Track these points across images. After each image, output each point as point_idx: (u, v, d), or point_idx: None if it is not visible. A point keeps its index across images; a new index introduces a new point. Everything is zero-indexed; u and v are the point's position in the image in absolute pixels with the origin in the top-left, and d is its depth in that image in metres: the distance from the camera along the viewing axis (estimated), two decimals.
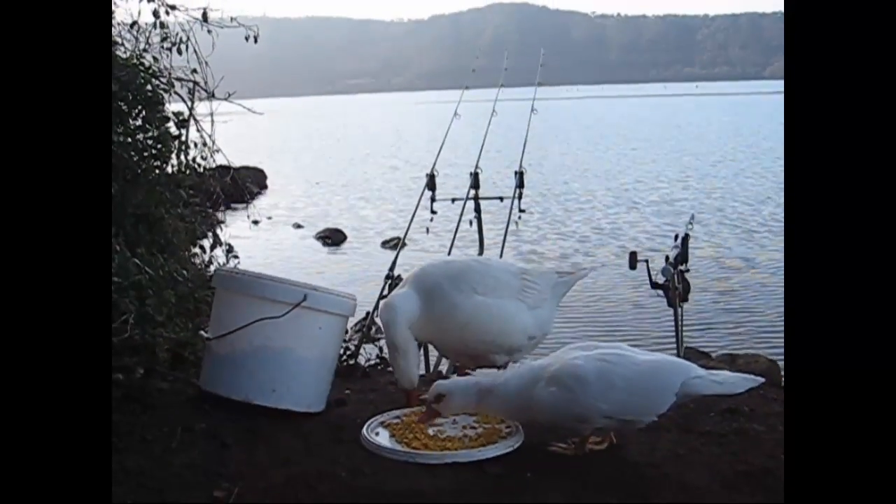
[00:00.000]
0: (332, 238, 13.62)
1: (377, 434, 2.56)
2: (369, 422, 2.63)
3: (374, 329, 5.26)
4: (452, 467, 2.35)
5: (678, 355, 4.60)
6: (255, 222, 12.31)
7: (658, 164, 21.66)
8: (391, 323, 2.78)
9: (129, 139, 4.05)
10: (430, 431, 2.59)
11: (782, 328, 8.03)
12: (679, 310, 4.45)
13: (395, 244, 11.03)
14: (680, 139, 29.66)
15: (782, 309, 8.57)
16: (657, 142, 28.76)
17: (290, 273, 7.87)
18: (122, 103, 3.99)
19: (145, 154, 4.12)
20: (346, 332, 3.30)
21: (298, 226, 14.75)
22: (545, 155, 23.70)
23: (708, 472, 2.39)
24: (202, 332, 2.89)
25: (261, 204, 15.33)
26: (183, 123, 4.51)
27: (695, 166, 21.11)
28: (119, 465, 2.25)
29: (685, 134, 32.13)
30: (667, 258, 4.28)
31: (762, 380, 2.44)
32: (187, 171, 4.76)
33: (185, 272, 3.91)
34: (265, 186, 19.34)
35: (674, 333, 4.59)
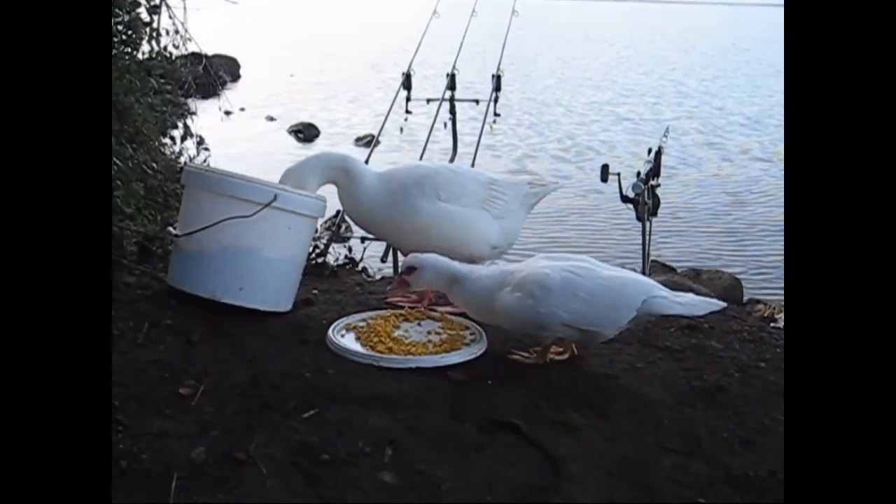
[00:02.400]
0: (305, 133, 13.48)
1: (343, 336, 2.59)
2: (335, 324, 2.66)
3: (343, 228, 5.27)
4: (415, 372, 2.39)
5: (643, 269, 4.68)
6: (228, 113, 12.08)
7: (647, 77, 21.36)
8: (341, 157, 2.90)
9: None
10: (396, 335, 2.63)
11: (749, 245, 8.17)
12: (647, 224, 4.50)
13: (368, 141, 10.96)
14: (671, 49, 29.18)
15: (751, 226, 8.70)
16: (646, 51, 28.31)
17: (262, 167, 7.81)
18: None
19: (115, 40, 3.99)
20: (316, 230, 3.30)
21: (271, 118, 14.55)
22: (528, 61, 23.31)
23: (663, 385, 2.46)
24: (170, 229, 2.88)
25: (233, 95, 15.02)
26: (154, 9, 4.38)
27: (685, 81, 20.83)
28: None
29: (676, 44, 31.61)
30: (638, 173, 4.30)
31: (724, 304, 2.49)
32: (158, 59, 4.64)
33: (154, 164, 3.87)
34: (238, 76, 18.94)
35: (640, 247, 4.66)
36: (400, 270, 2.64)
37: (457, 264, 2.59)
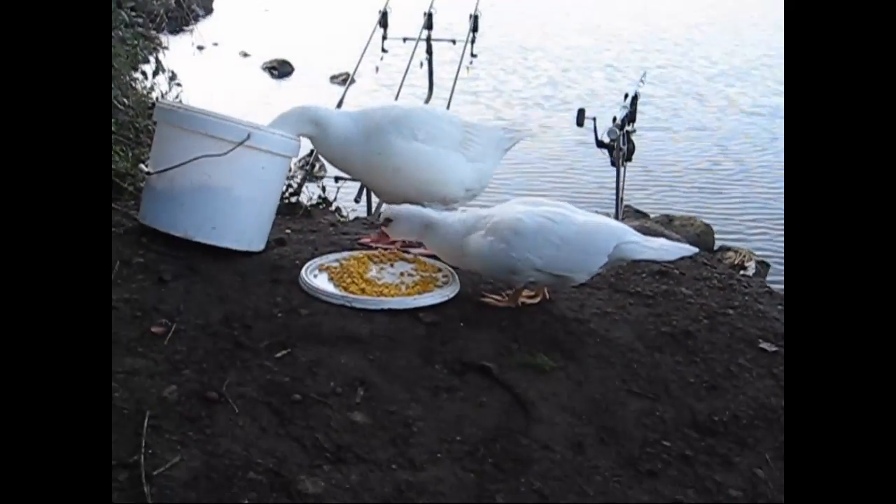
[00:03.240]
0: (279, 69, 13.31)
1: (315, 277, 2.59)
2: (308, 264, 2.65)
3: (317, 167, 5.24)
4: (388, 313, 2.40)
5: (616, 214, 4.70)
6: (200, 48, 11.91)
7: (632, 23, 21.03)
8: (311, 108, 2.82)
9: None
10: (369, 276, 2.63)
11: (723, 193, 8.21)
12: (622, 170, 4.51)
13: (343, 79, 10.82)
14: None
15: (727, 175, 8.74)
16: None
17: (235, 104, 7.70)
18: None
19: None
20: (290, 169, 3.28)
21: (245, 54, 14.33)
22: (510, 2, 22.90)
23: (632, 330, 2.50)
24: (142, 166, 2.84)
25: (206, 28, 14.72)
26: None
27: (669, 28, 20.56)
28: None
29: None
30: (614, 119, 4.30)
31: (695, 249, 2.50)
32: None
33: (125, 99, 3.81)
34: (211, 10, 18.57)
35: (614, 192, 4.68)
36: (380, 223, 2.64)
37: (430, 211, 2.60)
